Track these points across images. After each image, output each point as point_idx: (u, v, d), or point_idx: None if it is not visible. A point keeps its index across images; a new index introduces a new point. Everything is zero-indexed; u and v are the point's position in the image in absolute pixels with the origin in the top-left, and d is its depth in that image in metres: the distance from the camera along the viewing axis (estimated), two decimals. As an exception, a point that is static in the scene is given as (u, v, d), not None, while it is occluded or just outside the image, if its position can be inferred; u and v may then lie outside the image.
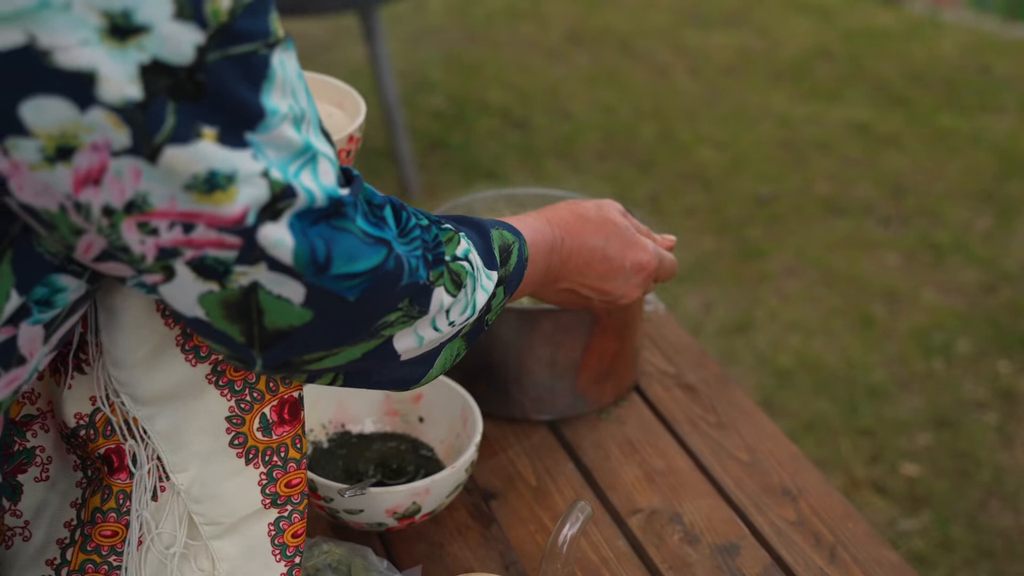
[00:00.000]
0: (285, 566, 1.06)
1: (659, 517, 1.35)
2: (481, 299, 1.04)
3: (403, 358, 0.99)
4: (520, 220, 1.15)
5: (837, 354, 2.88)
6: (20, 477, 1.05)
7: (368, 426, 1.41)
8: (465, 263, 1.01)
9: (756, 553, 1.30)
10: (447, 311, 0.99)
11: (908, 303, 3.06)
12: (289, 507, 1.05)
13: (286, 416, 1.04)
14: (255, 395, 1.02)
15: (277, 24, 0.83)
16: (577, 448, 1.44)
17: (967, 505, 2.46)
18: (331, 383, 0.98)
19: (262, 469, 1.03)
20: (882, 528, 2.38)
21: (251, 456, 1.03)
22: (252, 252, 0.83)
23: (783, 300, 3.08)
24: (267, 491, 1.04)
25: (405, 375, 1.02)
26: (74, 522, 1.06)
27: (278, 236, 0.83)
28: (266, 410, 1.03)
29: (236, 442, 1.02)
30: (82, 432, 1.02)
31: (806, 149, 3.74)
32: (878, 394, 2.76)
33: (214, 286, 0.85)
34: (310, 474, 1.25)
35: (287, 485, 1.05)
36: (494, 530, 1.33)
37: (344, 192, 0.88)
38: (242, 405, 1.01)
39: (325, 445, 1.38)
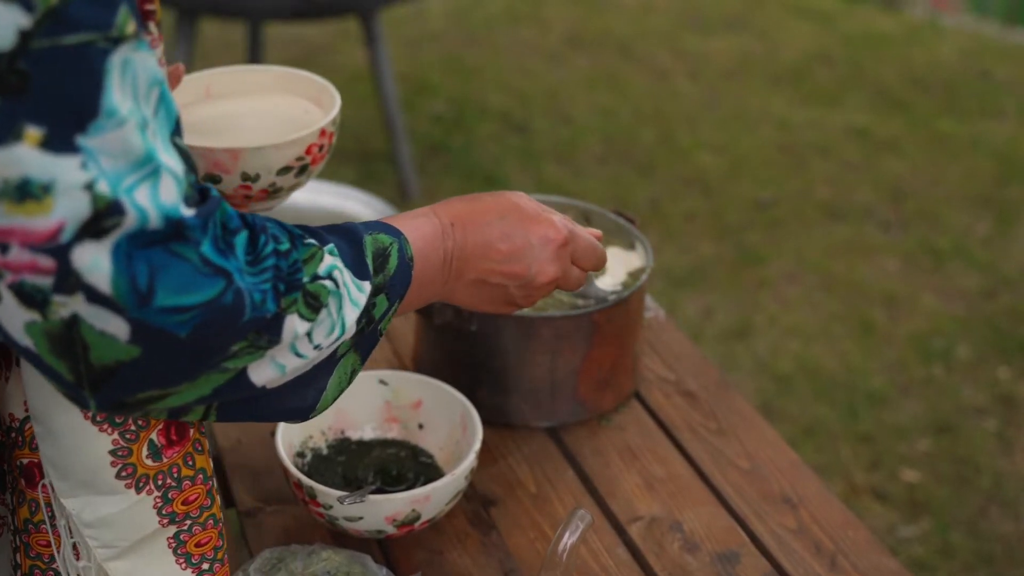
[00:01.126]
0: (193, 572, 1.03)
1: (659, 525, 1.34)
2: (350, 315, 0.95)
3: (268, 387, 0.92)
4: (402, 218, 1.08)
5: (837, 359, 2.88)
6: (6, 466, 1.04)
7: (368, 433, 1.41)
8: (327, 282, 0.93)
9: (756, 561, 1.30)
10: (308, 335, 0.92)
11: (908, 308, 3.06)
12: (188, 521, 1.02)
13: (174, 437, 0.99)
14: (139, 423, 0.96)
15: (127, 19, 0.77)
16: (577, 455, 1.44)
17: (967, 511, 2.46)
18: (203, 418, 0.92)
19: (156, 494, 0.99)
20: (882, 534, 2.38)
21: (142, 484, 0.98)
22: (68, 279, 0.78)
23: (783, 305, 3.08)
24: (163, 512, 1.00)
25: (292, 405, 0.96)
26: (11, 527, 1.03)
27: (94, 258, 0.77)
28: (153, 435, 0.97)
29: (124, 473, 0.97)
30: (13, 435, 0.99)
31: (806, 153, 3.74)
32: (878, 400, 2.76)
33: (36, 316, 0.79)
34: (309, 481, 1.25)
35: (184, 503, 1.01)
36: (494, 537, 1.33)
37: (188, 213, 0.81)
38: (127, 436, 0.96)
39: (324, 452, 1.38)
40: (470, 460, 1.28)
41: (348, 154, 3.64)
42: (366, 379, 1.40)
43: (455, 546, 1.31)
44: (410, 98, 4.00)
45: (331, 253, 0.95)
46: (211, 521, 1.04)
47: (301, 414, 0.98)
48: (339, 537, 1.31)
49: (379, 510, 1.24)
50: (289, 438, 1.33)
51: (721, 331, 2.98)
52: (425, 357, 1.51)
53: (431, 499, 1.25)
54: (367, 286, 0.98)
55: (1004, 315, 3.03)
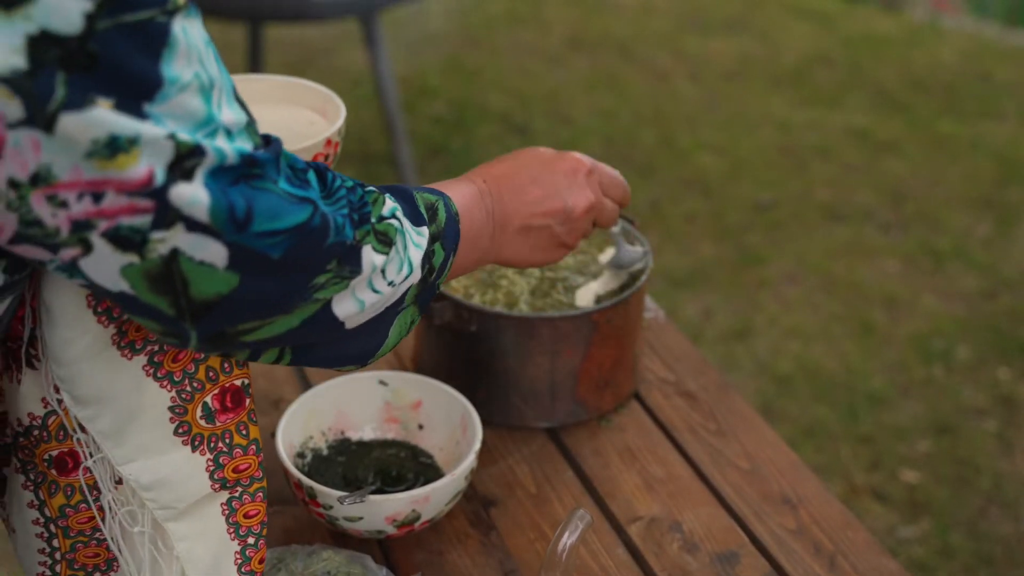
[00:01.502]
0: (239, 545, 1.08)
1: (659, 525, 1.34)
2: (415, 255, 1.02)
3: (347, 326, 0.98)
4: (438, 184, 1.15)
5: (837, 360, 2.88)
6: (4, 470, 1.07)
7: (368, 433, 1.41)
8: (393, 221, 1.00)
9: (756, 562, 1.30)
10: (382, 270, 0.98)
11: (908, 309, 3.06)
12: (239, 489, 1.07)
13: (229, 404, 1.04)
14: (195, 385, 1.02)
15: None
16: (577, 456, 1.44)
17: (967, 512, 2.46)
18: (277, 361, 0.97)
19: (208, 456, 1.04)
20: (882, 535, 2.38)
21: (196, 443, 1.03)
22: (167, 214, 0.82)
23: (783, 306, 3.08)
24: (215, 476, 1.05)
25: (358, 349, 1.01)
26: (41, 520, 1.06)
27: (192, 194, 0.82)
28: (208, 399, 1.03)
29: (180, 430, 1.03)
30: (35, 432, 1.02)
31: (806, 155, 3.74)
32: (878, 401, 2.76)
33: (134, 258, 0.83)
34: (309, 481, 1.25)
35: (235, 470, 1.06)
36: (493, 538, 1.33)
37: (259, 152, 0.87)
38: (183, 395, 1.02)
39: (325, 452, 1.38)
40: (470, 460, 1.28)
41: (349, 156, 3.64)
42: (366, 380, 1.40)
43: (455, 546, 1.31)
44: (410, 100, 4.00)
45: (390, 199, 1.02)
46: (260, 494, 1.08)
47: (363, 359, 1.03)
48: (339, 537, 1.31)
49: (379, 510, 1.24)
50: (289, 438, 1.33)
51: (721, 332, 2.98)
52: (425, 357, 1.51)
53: (431, 499, 1.25)
54: (425, 231, 1.04)
55: (1004, 316, 3.03)
